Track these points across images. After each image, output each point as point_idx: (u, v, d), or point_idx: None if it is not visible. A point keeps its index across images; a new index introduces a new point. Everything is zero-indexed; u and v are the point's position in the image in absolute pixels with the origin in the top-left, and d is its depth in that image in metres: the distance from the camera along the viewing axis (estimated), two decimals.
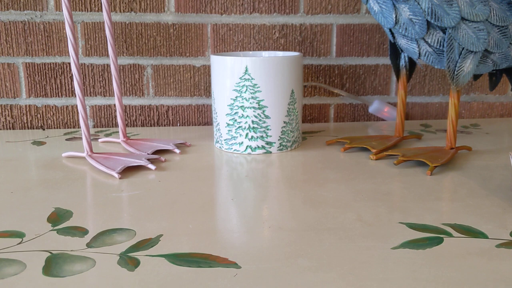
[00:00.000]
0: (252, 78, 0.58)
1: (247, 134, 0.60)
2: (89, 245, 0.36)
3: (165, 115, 0.79)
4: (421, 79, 0.81)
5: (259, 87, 0.58)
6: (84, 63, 0.76)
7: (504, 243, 0.36)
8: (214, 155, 0.60)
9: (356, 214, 0.41)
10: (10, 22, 0.73)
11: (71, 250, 0.35)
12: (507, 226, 0.39)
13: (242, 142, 0.60)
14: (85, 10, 0.74)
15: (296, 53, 0.63)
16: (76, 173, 0.53)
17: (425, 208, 0.43)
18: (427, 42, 0.54)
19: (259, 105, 0.59)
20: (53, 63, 0.75)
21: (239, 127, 0.60)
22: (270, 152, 0.61)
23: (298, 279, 0.31)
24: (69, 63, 0.76)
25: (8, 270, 0.32)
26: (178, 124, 0.80)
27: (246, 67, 0.58)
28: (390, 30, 0.57)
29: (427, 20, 0.52)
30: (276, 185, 0.49)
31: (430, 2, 0.51)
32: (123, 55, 0.76)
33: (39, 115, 0.77)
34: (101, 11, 0.74)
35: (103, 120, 0.78)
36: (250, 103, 0.58)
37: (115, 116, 0.78)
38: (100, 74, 0.76)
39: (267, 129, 0.60)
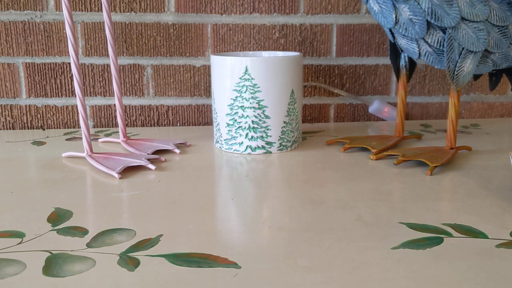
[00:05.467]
0: (252, 78, 0.58)
1: (247, 134, 0.60)
2: (89, 245, 0.36)
3: (165, 115, 0.79)
4: (421, 79, 0.81)
5: (259, 87, 0.58)
6: (84, 63, 0.76)
7: (504, 243, 0.36)
8: (214, 155, 0.60)
9: (356, 214, 0.41)
10: (10, 22, 0.73)
11: (71, 250, 0.35)
12: (507, 226, 0.39)
13: (242, 142, 0.60)
14: (85, 10, 0.74)
15: (296, 53, 0.63)
16: (76, 173, 0.53)
17: (425, 208, 0.43)
18: (427, 42, 0.54)
19: (259, 105, 0.59)
20: (53, 63, 0.75)
21: (239, 127, 0.60)
22: (270, 152, 0.61)
23: (298, 279, 0.31)
24: (69, 63, 0.76)
25: (8, 270, 0.32)
26: (178, 124, 0.80)
27: (246, 67, 0.58)
28: (390, 30, 0.57)
29: (427, 20, 0.52)
30: (276, 185, 0.49)
31: (430, 2, 0.51)
32: (123, 55, 0.76)
33: (39, 115, 0.77)
34: (101, 11, 0.74)
35: (103, 120, 0.78)
36: (250, 103, 0.58)
37: (115, 116, 0.78)
38: (100, 74, 0.76)
39: (267, 129, 0.60)
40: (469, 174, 0.52)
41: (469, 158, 0.59)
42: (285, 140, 0.61)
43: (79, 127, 0.78)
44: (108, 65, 0.76)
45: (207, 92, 0.79)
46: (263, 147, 0.60)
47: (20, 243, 0.37)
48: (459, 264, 0.33)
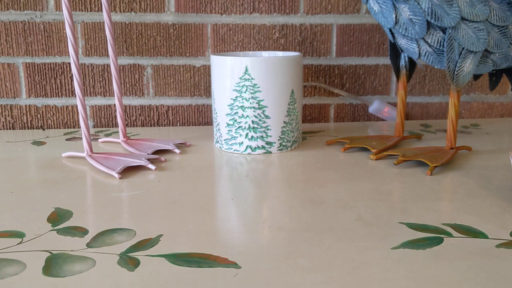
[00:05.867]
0: (252, 78, 0.58)
1: (247, 134, 0.60)
2: (89, 245, 0.36)
3: (165, 115, 0.79)
4: (421, 79, 0.81)
5: (259, 87, 0.58)
6: (84, 63, 0.76)
7: (504, 243, 0.36)
8: (214, 155, 0.60)
9: (356, 214, 0.41)
10: (10, 22, 0.73)
11: (71, 250, 0.35)
12: (507, 226, 0.39)
13: (242, 142, 0.60)
14: (85, 10, 0.74)
15: (296, 53, 0.63)
16: (76, 173, 0.53)
17: (425, 208, 0.43)
18: (427, 42, 0.54)
19: (259, 105, 0.59)
20: (53, 63, 0.75)
21: (239, 127, 0.60)
22: (270, 152, 0.61)
23: (298, 279, 0.31)
24: (69, 63, 0.76)
25: (8, 270, 0.32)
26: (178, 124, 0.80)
27: (246, 67, 0.58)
28: (390, 30, 0.57)
29: (427, 20, 0.52)
30: (276, 185, 0.49)
31: (430, 2, 0.51)
32: (123, 55, 0.76)
33: (39, 115, 0.77)
34: (101, 11, 0.74)
35: (103, 120, 0.78)
36: (250, 103, 0.58)
37: (115, 116, 0.78)
38: (100, 74, 0.76)
39: (267, 129, 0.60)
40: (469, 174, 0.52)
41: (469, 158, 0.59)
42: (285, 140, 0.61)
43: (79, 127, 0.78)
44: (108, 65, 0.76)
45: (207, 92, 0.79)
46: (263, 147, 0.60)
47: (20, 243, 0.37)
48: (459, 264, 0.33)
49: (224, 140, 0.61)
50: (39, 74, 0.75)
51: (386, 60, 0.80)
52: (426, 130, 0.74)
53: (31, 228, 0.39)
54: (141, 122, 0.79)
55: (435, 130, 0.74)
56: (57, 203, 0.44)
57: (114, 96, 0.77)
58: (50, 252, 0.35)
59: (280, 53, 0.67)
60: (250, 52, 0.68)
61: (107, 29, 0.61)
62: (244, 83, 0.58)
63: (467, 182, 0.50)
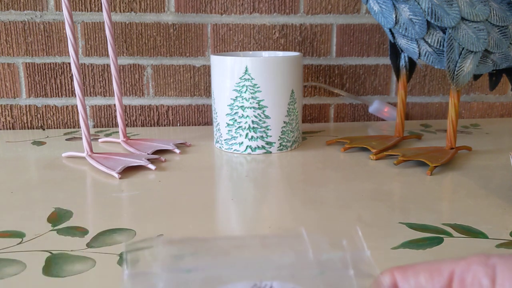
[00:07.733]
0: (252, 78, 0.58)
1: (247, 134, 0.60)
2: (89, 245, 0.36)
3: (165, 115, 0.79)
4: (421, 79, 0.81)
5: (259, 87, 0.58)
6: (84, 63, 0.76)
7: (504, 243, 0.36)
8: (214, 155, 0.60)
9: (356, 214, 0.41)
10: (10, 22, 0.73)
11: (71, 250, 0.35)
12: (507, 226, 0.39)
13: (242, 142, 0.60)
14: (85, 10, 0.74)
15: (296, 53, 0.63)
16: (76, 173, 0.53)
17: (425, 208, 0.43)
18: (427, 42, 0.54)
19: (259, 105, 0.59)
20: (53, 63, 0.75)
21: (239, 127, 0.60)
22: (270, 152, 0.61)
23: None
24: (69, 63, 0.76)
25: (8, 270, 0.32)
26: (178, 124, 0.80)
27: (246, 67, 0.58)
28: (390, 30, 0.57)
29: (427, 20, 0.52)
30: (276, 185, 0.49)
31: (430, 2, 0.51)
32: (123, 55, 0.76)
33: (39, 115, 0.77)
34: (101, 11, 0.74)
35: (103, 120, 0.78)
36: (250, 103, 0.58)
37: (115, 116, 0.78)
38: (100, 74, 0.76)
39: (267, 129, 0.60)
40: (469, 174, 0.52)
41: (469, 158, 0.59)
42: (285, 140, 0.61)
43: (79, 127, 0.78)
44: (108, 65, 0.76)
45: (207, 92, 0.79)
46: (263, 147, 0.60)
47: (20, 243, 0.37)
48: None
49: (224, 140, 0.61)
50: (39, 74, 0.75)
51: (386, 60, 0.80)
52: (426, 130, 0.74)
53: (31, 228, 0.39)
54: (141, 122, 0.79)
55: (435, 130, 0.74)
56: (57, 203, 0.44)
57: (114, 96, 0.77)
58: (50, 252, 0.35)
59: (280, 53, 0.67)
60: (250, 52, 0.68)
61: (107, 29, 0.61)
62: (244, 83, 0.58)
63: (467, 182, 0.50)
